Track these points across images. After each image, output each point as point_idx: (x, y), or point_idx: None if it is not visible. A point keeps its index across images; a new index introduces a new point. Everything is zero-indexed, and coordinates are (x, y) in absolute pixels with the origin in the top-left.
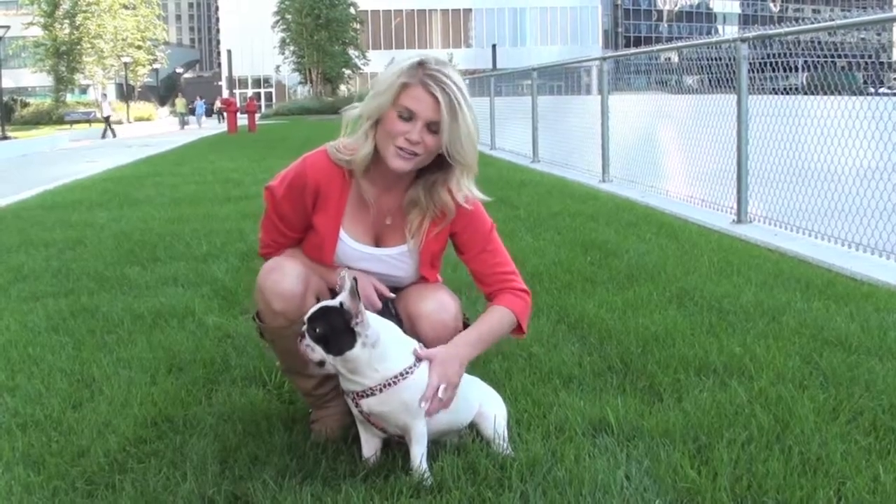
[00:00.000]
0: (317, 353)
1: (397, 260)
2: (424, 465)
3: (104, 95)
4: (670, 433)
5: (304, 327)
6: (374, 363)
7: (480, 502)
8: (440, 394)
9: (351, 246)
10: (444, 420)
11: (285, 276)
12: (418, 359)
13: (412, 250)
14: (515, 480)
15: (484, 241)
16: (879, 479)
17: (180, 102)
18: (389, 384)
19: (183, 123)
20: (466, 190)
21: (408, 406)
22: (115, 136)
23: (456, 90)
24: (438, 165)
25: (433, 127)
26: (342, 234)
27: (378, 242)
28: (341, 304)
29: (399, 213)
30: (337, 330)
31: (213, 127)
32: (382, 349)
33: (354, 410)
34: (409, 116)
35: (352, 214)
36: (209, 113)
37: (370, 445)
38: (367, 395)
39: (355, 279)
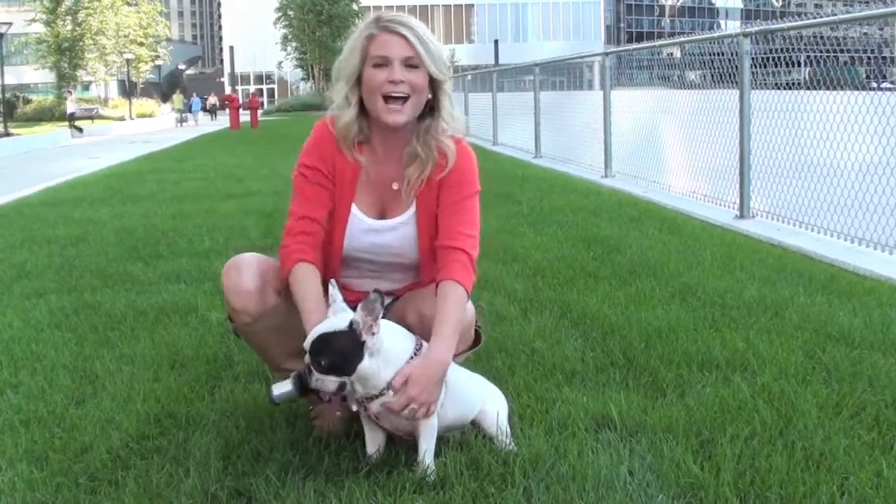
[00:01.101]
0: (331, 383)
1: (401, 229)
2: (429, 461)
3: (70, 92)
4: (673, 428)
5: (308, 362)
6: (380, 368)
7: (483, 498)
8: (408, 413)
9: (360, 219)
10: (450, 416)
11: (241, 273)
12: (395, 390)
13: (411, 215)
14: (518, 476)
15: (461, 194)
16: (882, 474)
17: (178, 99)
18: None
19: (180, 121)
20: (449, 125)
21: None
22: (81, 131)
23: (416, 25)
24: (427, 113)
25: (412, 61)
26: (353, 208)
27: (384, 214)
28: (351, 323)
29: (402, 176)
30: (344, 353)
31: (207, 124)
32: (385, 352)
33: (363, 413)
34: (384, 62)
35: (360, 189)
36: (204, 109)
37: (374, 442)
38: (375, 397)
39: (379, 291)
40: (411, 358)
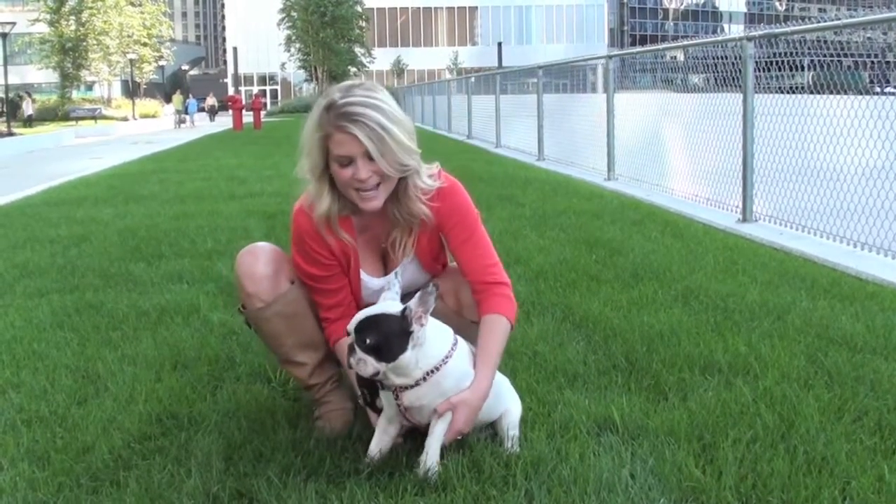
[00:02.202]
0: (370, 366)
1: (407, 271)
2: (433, 461)
3: (27, 93)
4: (675, 432)
5: (352, 339)
6: (418, 361)
7: (485, 500)
8: (455, 435)
9: (370, 282)
10: (481, 414)
11: (257, 258)
12: (443, 411)
13: (411, 260)
14: (520, 478)
15: (469, 232)
16: (884, 479)
17: (177, 99)
18: (428, 375)
19: (179, 122)
20: (423, 184)
21: (445, 394)
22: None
23: (370, 114)
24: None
25: (371, 155)
26: (363, 276)
27: (388, 268)
28: (405, 309)
29: (390, 232)
30: (391, 337)
31: (205, 125)
32: (427, 345)
33: (392, 403)
34: (347, 161)
35: (361, 255)
36: (202, 110)
37: (378, 444)
38: (409, 388)
39: (436, 285)
40: (446, 357)
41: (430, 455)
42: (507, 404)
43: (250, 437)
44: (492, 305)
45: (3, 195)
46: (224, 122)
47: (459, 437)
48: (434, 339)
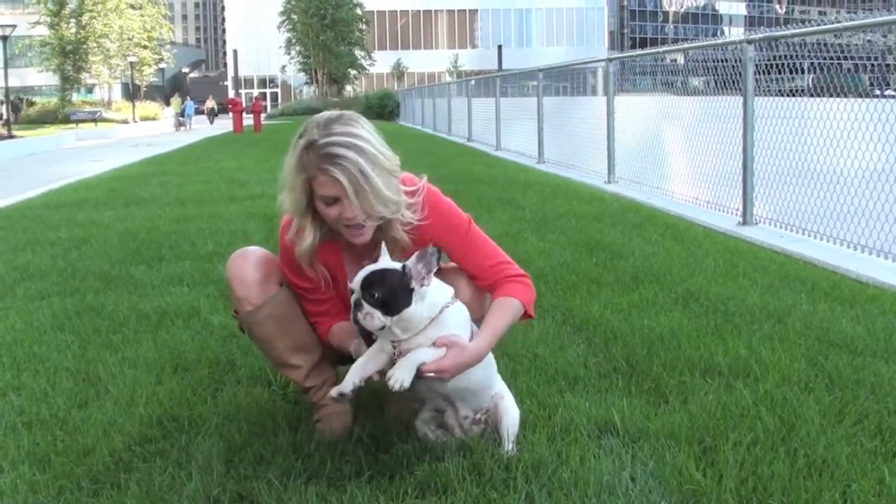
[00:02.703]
0: (376, 319)
1: None
2: (407, 373)
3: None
4: (676, 435)
5: (357, 296)
6: (423, 314)
7: (486, 503)
8: (434, 374)
9: None
10: (471, 379)
11: (245, 262)
12: (440, 343)
13: None
14: (521, 481)
15: (464, 241)
16: (885, 482)
17: (175, 102)
18: (428, 325)
19: (178, 125)
20: (405, 219)
21: (440, 332)
22: None
23: (351, 157)
24: None
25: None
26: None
27: None
28: (403, 266)
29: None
30: (395, 290)
31: (204, 128)
32: (429, 298)
33: (386, 348)
34: (333, 201)
35: (348, 269)
36: (200, 113)
37: (362, 373)
38: (409, 338)
39: (438, 248)
40: (446, 306)
41: (403, 366)
42: (497, 394)
43: (251, 440)
44: (504, 290)
45: (3, 198)
46: (224, 124)
47: (432, 376)
48: (434, 291)
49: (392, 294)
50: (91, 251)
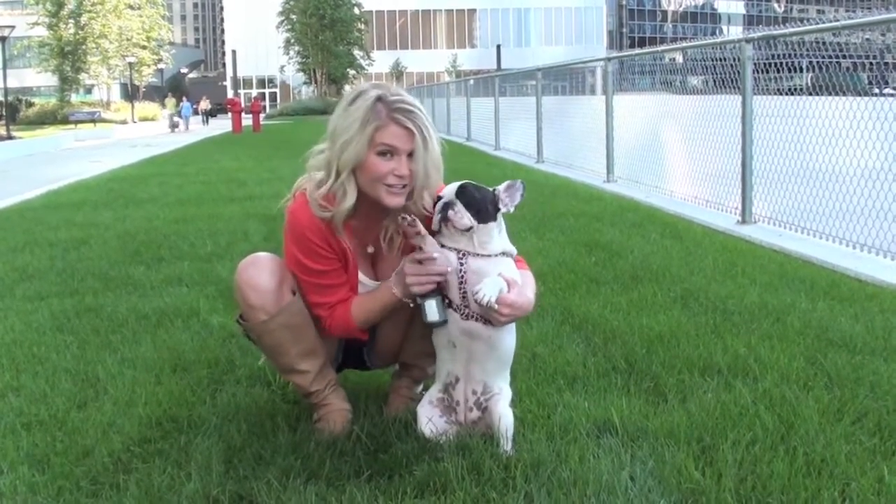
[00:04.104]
0: (466, 218)
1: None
2: (490, 291)
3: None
4: (675, 434)
5: (450, 198)
6: (498, 241)
7: (485, 503)
8: (498, 306)
9: (367, 285)
10: (506, 339)
11: (260, 270)
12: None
13: (397, 256)
14: (520, 481)
15: None
16: (884, 480)
17: (170, 103)
18: (498, 255)
19: (173, 126)
20: (426, 201)
21: (499, 272)
22: None
23: (423, 118)
24: None
25: (413, 153)
26: (360, 277)
27: (375, 271)
28: (494, 190)
29: (378, 240)
30: (486, 202)
31: (200, 129)
32: (503, 236)
33: (452, 259)
34: (390, 151)
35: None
36: (196, 113)
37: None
38: (477, 257)
39: (523, 183)
40: (514, 253)
41: (490, 284)
42: (502, 391)
43: (250, 440)
44: (520, 267)
45: (2, 199)
46: (223, 124)
47: (495, 310)
48: (507, 242)
49: (483, 203)
50: (90, 252)
